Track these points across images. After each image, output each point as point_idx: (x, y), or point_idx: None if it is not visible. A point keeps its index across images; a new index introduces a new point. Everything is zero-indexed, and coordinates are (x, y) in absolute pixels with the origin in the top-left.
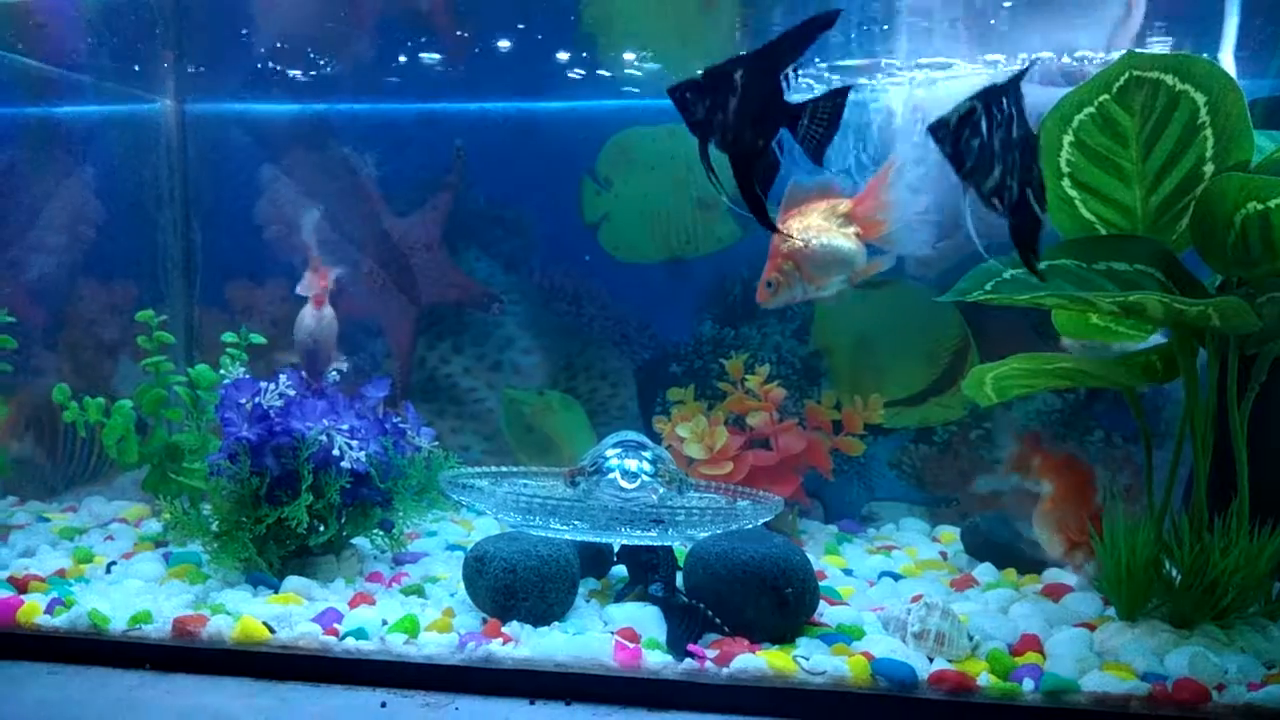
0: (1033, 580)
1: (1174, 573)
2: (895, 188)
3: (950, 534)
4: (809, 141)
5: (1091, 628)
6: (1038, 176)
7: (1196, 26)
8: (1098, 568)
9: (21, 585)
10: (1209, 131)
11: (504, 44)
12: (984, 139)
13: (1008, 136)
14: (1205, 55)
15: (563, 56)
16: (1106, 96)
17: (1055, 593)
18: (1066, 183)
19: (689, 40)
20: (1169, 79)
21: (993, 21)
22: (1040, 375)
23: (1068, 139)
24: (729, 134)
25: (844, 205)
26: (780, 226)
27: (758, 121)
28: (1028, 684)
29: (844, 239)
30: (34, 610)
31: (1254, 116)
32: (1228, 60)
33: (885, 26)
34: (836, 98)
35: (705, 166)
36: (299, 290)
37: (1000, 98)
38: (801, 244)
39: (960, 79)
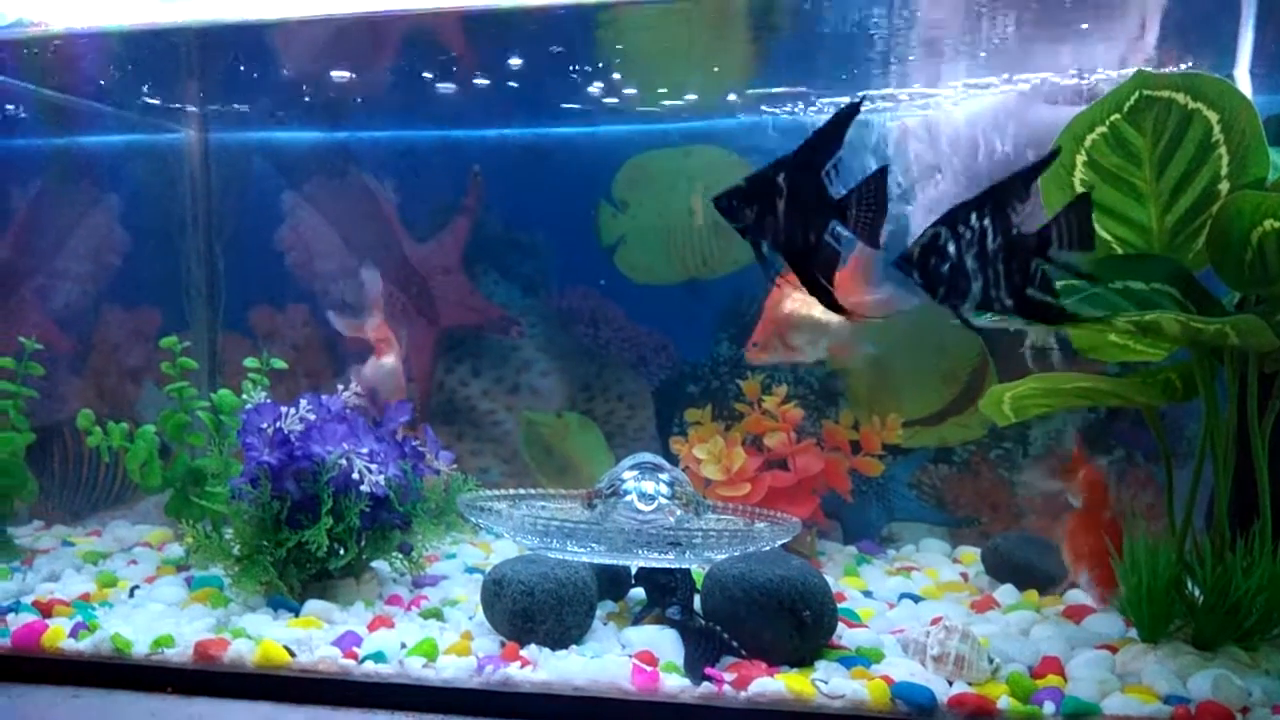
0: (1054, 602)
1: (1196, 593)
2: (874, 274)
3: (971, 555)
4: (862, 228)
5: (1113, 650)
6: (1038, 272)
7: (1211, 44)
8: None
9: (46, 609)
10: (1223, 149)
11: (521, 69)
12: (954, 261)
13: (983, 251)
14: (1220, 73)
15: (579, 81)
16: (1118, 116)
17: (1077, 614)
18: None
19: (704, 64)
20: (1180, 97)
21: (1005, 41)
22: (1058, 395)
23: (1080, 158)
24: (779, 235)
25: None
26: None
27: (805, 219)
28: (1048, 707)
29: (821, 312)
30: (59, 634)
31: (1271, 133)
32: (1243, 77)
33: (899, 50)
34: (878, 180)
35: (760, 261)
36: (342, 329)
37: (969, 215)
38: (788, 311)
39: (973, 99)
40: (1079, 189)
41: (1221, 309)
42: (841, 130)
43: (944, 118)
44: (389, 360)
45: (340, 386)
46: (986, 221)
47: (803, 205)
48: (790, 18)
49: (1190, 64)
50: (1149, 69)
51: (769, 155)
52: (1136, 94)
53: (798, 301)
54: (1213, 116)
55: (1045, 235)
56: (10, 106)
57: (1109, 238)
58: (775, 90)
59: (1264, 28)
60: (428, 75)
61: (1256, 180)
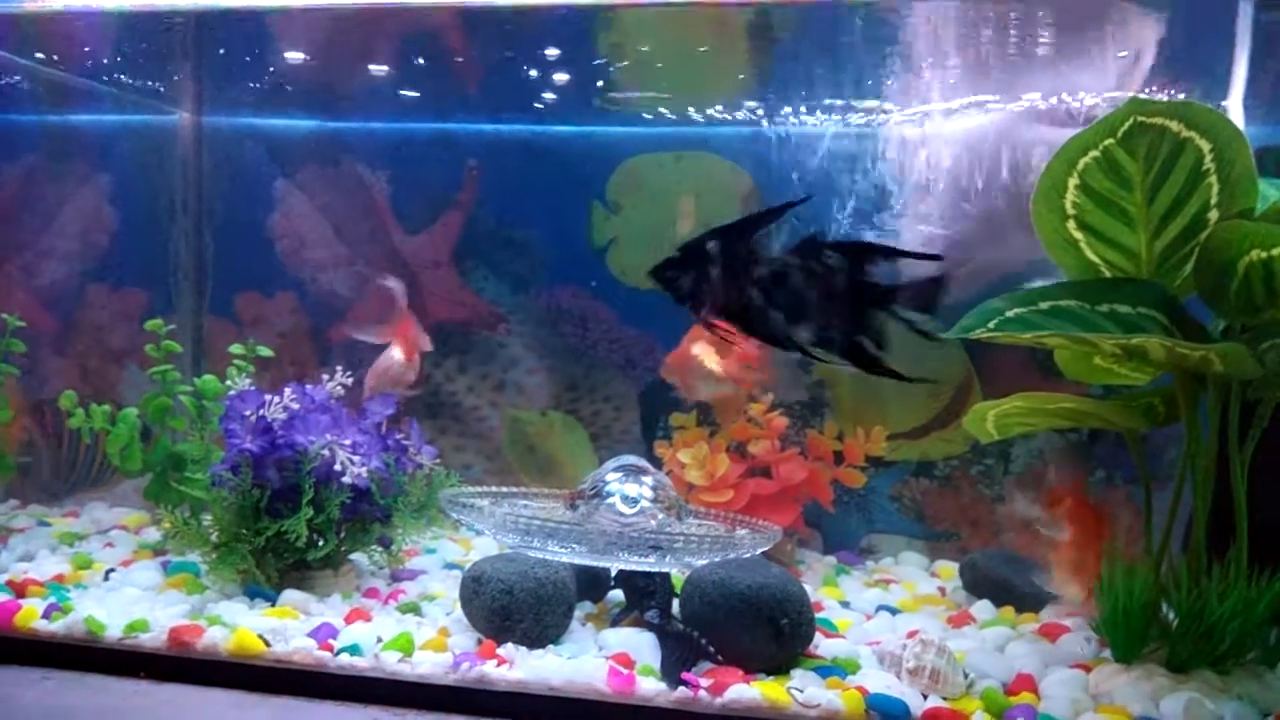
0: (1030, 619)
1: (1171, 616)
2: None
3: (949, 569)
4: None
5: (1087, 669)
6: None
7: (1205, 74)
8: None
9: (20, 589)
10: (1214, 178)
11: (519, 66)
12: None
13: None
14: (1213, 103)
15: (577, 80)
16: (1111, 141)
17: (1052, 633)
18: (1071, 224)
19: (701, 67)
20: (1174, 125)
21: (1002, 61)
22: (1042, 414)
23: (1073, 181)
24: (715, 301)
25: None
26: (687, 341)
27: (739, 286)
28: None
29: (714, 363)
30: (31, 615)
31: (1265, 166)
32: (1235, 108)
33: (893, 65)
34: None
35: (708, 327)
36: (362, 337)
37: (823, 251)
38: (693, 354)
39: (968, 117)
40: (1070, 211)
41: (1207, 336)
42: (781, 214)
43: (938, 133)
44: (399, 357)
45: (325, 376)
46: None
47: (736, 273)
48: (787, 28)
49: (1183, 93)
50: (1143, 96)
51: (762, 163)
52: (1131, 120)
53: (701, 350)
54: (1205, 146)
55: (894, 290)
56: (3, 81)
57: (1098, 261)
58: (771, 98)
59: (1258, 60)
60: (425, 68)
61: (1245, 210)
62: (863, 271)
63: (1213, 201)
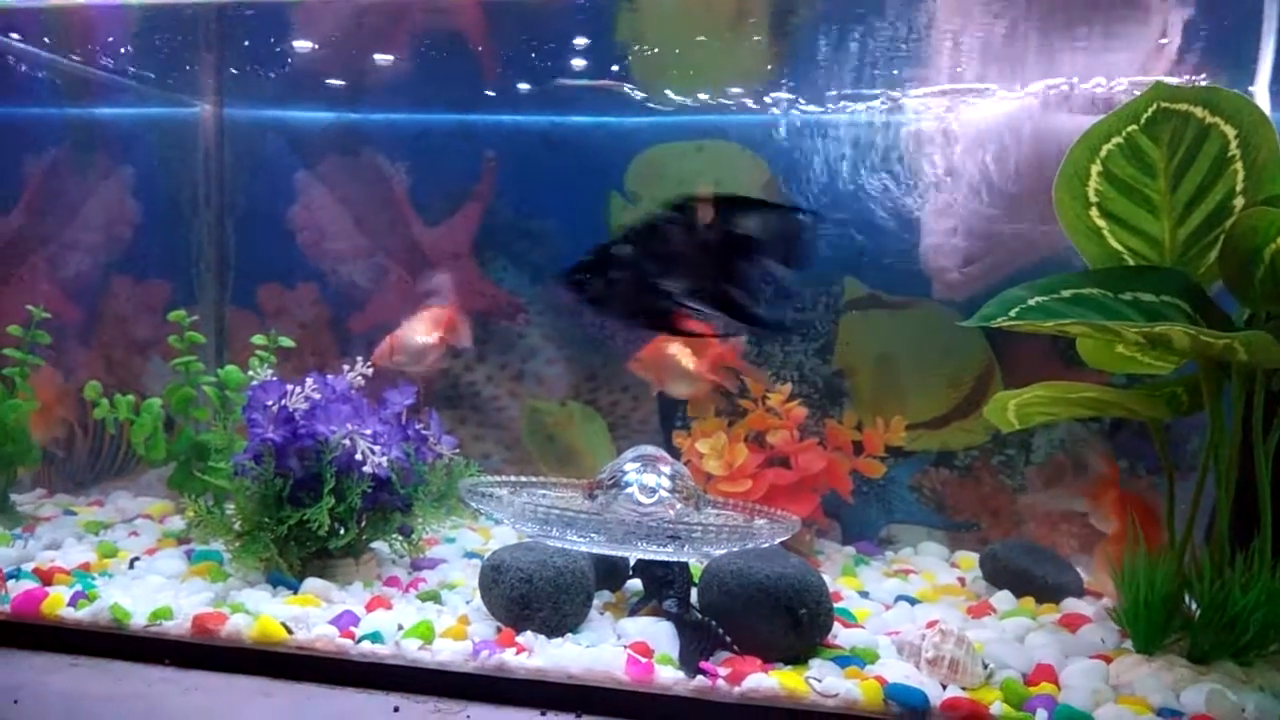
0: (1050, 610)
1: (1194, 607)
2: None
3: (969, 560)
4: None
5: (1108, 660)
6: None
7: (1231, 59)
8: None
9: (46, 577)
10: (1239, 165)
11: (538, 56)
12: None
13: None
14: (1239, 89)
15: (595, 71)
16: (1135, 127)
17: (1073, 623)
18: (1095, 212)
19: (721, 57)
20: (1198, 111)
21: (1025, 46)
22: (1064, 404)
23: (1096, 168)
24: (626, 304)
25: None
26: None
27: (652, 290)
28: (1041, 715)
29: (691, 363)
30: (58, 602)
31: None
32: (1262, 93)
33: (916, 50)
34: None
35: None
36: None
37: (687, 207)
38: (668, 353)
39: (991, 102)
40: (1093, 199)
41: (1231, 324)
42: (682, 210)
43: (959, 122)
44: (422, 334)
45: (346, 366)
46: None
47: (648, 277)
48: (807, 15)
49: (1209, 78)
50: (1167, 81)
51: (782, 152)
52: (1154, 106)
53: (677, 349)
54: (1230, 131)
55: (763, 243)
56: (28, 74)
57: (1121, 248)
58: (792, 87)
59: None
60: (444, 59)
61: (1272, 197)
62: (733, 224)
63: (1238, 188)
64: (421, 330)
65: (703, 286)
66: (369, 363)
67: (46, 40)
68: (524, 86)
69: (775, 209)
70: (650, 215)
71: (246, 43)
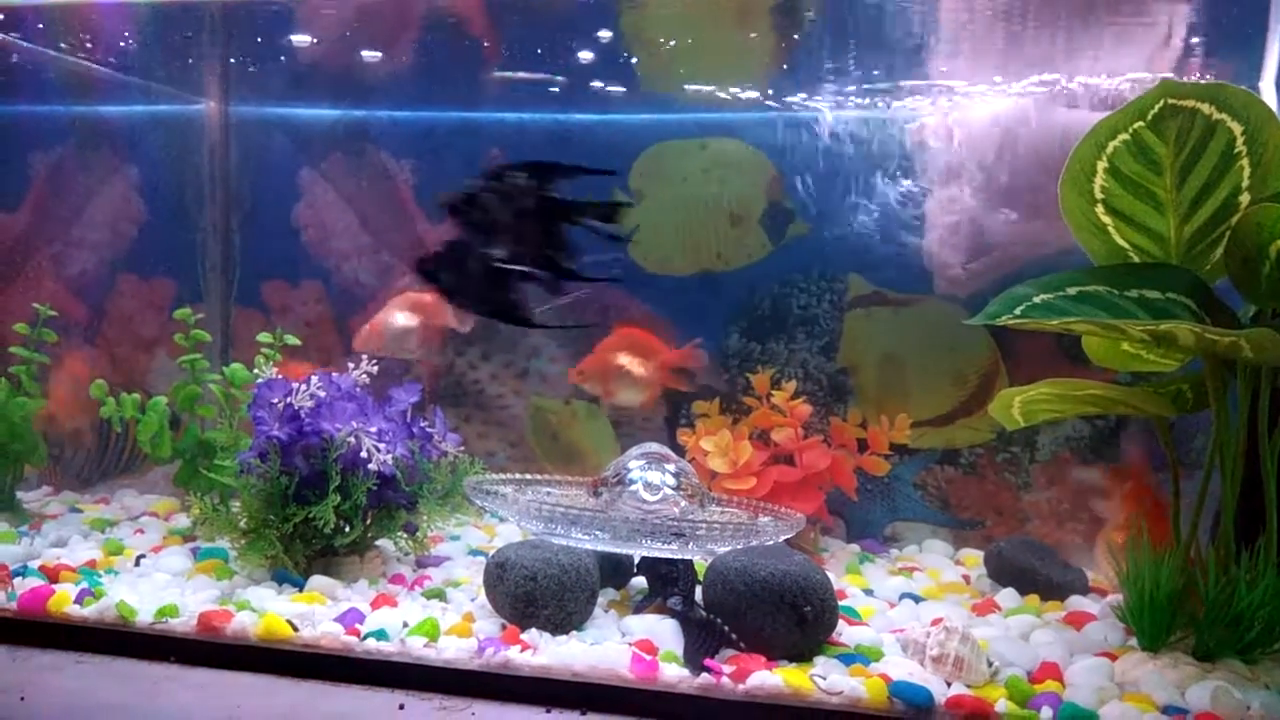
0: (1055, 607)
1: (1199, 605)
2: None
3: (974, 557)
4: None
5: (1113, 658)
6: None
7: (1237, 54)
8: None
9: (53, 575)
10: (1245, 161)
11: (542, 54)
12: (488, 214)
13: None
14: (1245, 85)
15: (599, 69)
16: (1141, 124)
17: (1077, 621)
18: (1100, 209)
19: (725, 54)
20: (1205, 108)
21: (1031, 44)
22: (1069, 401)
23: (1102, 165)
24: (477, 293)
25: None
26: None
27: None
28: (1046, 712)
29: (640, 369)
30: (64, 600)
31: None
32: (1269, 90)
33: (922, 48)
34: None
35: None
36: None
37: (507, 174)
38: (620, 364)
39: (995, 99)
40: (1099, 195)
41: (1236, 321)
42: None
43: (964, 117)
44: (399, 318)
45: (350, 364)
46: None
47: (495, 268)
48: (812, 12)
49: (1216, 75)
50: (1174, 78)
51: (784, 150)
52: (1161, 102)
53: (632, 357)
54: (1236, 128)
55: (581, 206)
56: (33, 72)
57: (1126, 245)
58: (795, 84)
59: None
60: (448, 56)
61: (1277, 193)
62: (550, 189)
63: (1244, 185)
64: (401, 314)
65: (528, 252)
66: (351, 350)
67: (51, 38)
68: (529, 84)
69: (589, 173)
70: (469, 186)
71: (251, 40)
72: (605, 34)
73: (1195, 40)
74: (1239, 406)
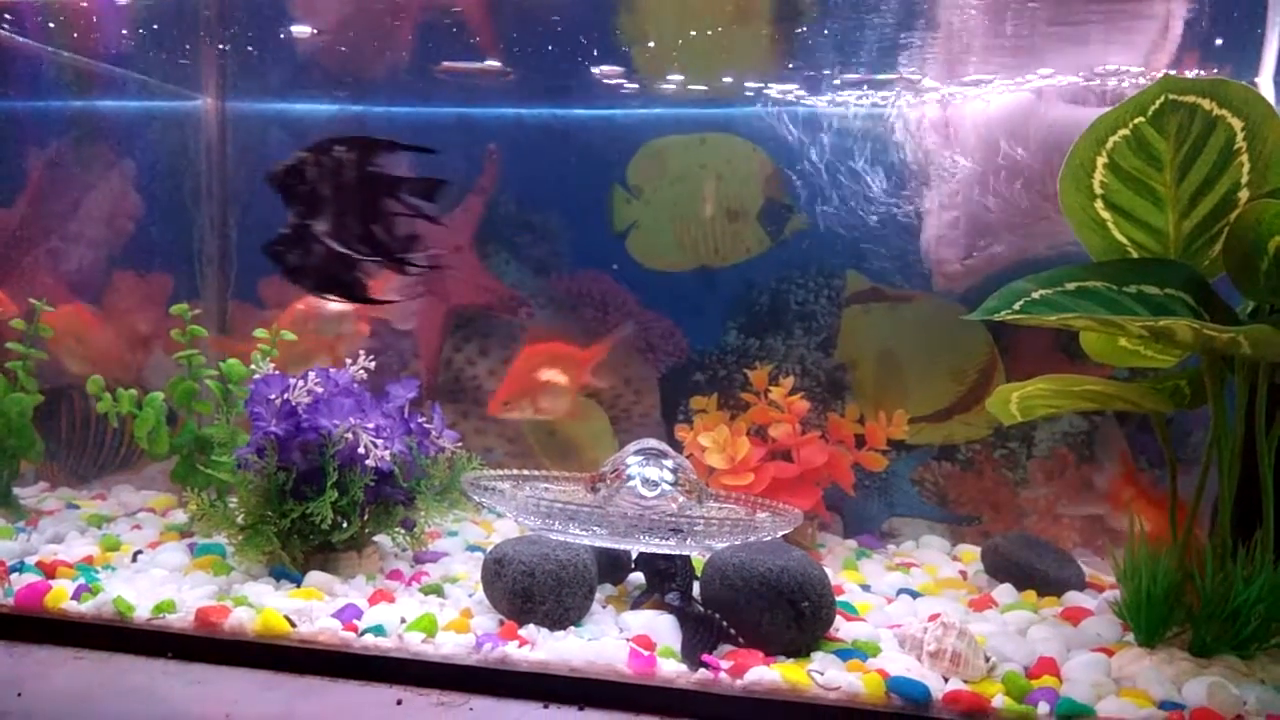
0: (1052, 603)
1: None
2: (616, 353)
3: (971, 553)
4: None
5: (1110, 653)
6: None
7: (1235, 50)
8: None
9: (50, 571)
10: (1245, 157)
11: (539, 49)
12: (314, 186)
13: (339, 188)
14: (1243, 80)
15: (597, 64)
16: (1141, 119)
17: (1074, 616)
18: (1099, 204)
19: (723, 50)
20: (1206, 103)
21: (1025, 39)
22: (1066, 396)
23: (1101, 160)
24: (320, 274)
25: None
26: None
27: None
28: (1043, 707)
29: (564, 378)
30: (61, 596)
31: None
32: (1267, 85)
33: (914, 43)
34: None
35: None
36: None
37: (332, 148)
38: (542, 379)
39: (994, 94)
40: (1098, 190)
41: (1235, 317)
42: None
43: (962, 112)
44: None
45: (348, 360)
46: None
47: (339, 251)
48: (811, 6)
49: (1214, 71)
50: (1173, 73)
51: (784, 145)
52: (1162, 98)
53: (551, 370)
54: (1236, 124)
55: (400, 181)
56: (28, 68)
57: (1125, 241)
58: (792, 79)
59: None
60: (446, 51)
61: (1277, 189)
62: (371, 164)
63: (1243, 180)
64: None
65: (350, 227)
66: (277, 329)
67: (47, 33)
68: (526, 79)
69: (409, 149)
70: (293, 159)
71: (247, 33)
72: (604, 27)
73: (1193, 35)
74: (1236, 402)
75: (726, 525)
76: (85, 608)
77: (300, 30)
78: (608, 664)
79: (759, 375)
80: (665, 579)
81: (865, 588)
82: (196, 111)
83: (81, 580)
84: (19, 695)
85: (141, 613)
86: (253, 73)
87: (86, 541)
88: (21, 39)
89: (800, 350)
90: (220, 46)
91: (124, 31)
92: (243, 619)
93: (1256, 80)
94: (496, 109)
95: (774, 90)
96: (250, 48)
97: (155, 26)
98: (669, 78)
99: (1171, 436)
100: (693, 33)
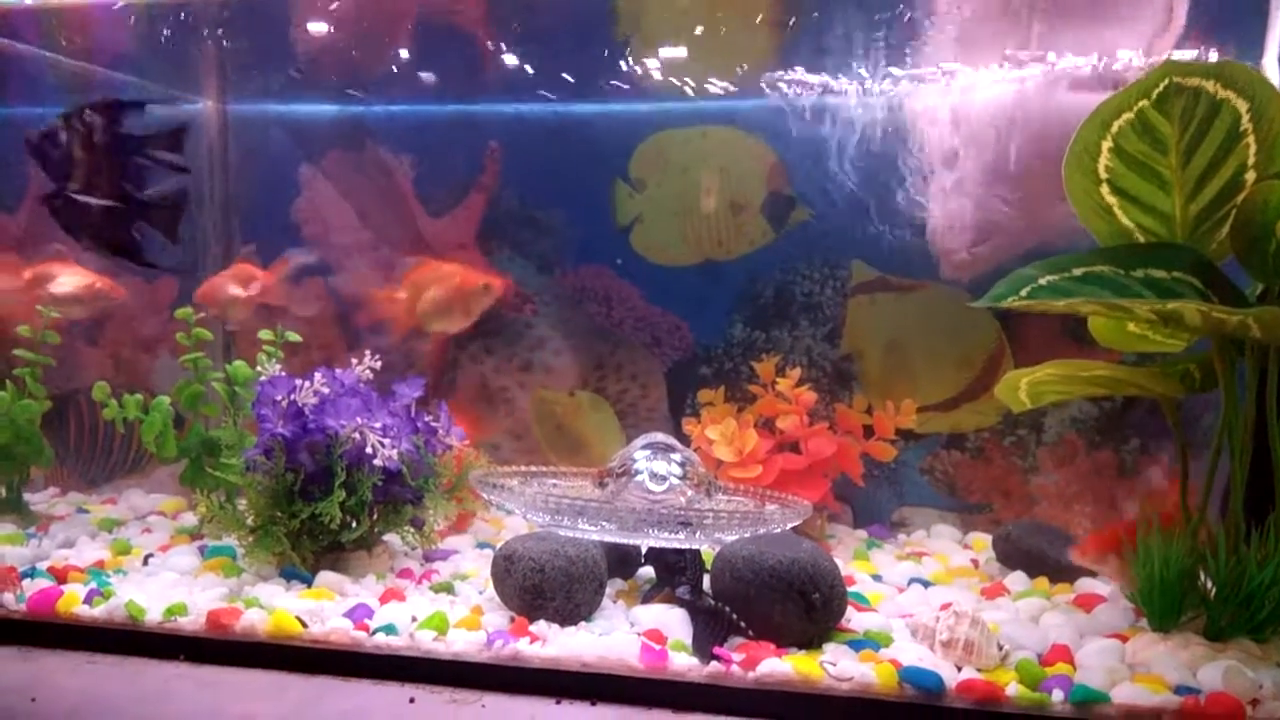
0: (1064, 590)
1: (1209, 584)
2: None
3: (982, 541)
4: (161, 226)
5: (1123, 639)
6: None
7: (1238, 33)
8: None
9: (61, 576)
10: (1251, 139)
11: (539, 44)
12: (65, 151)
13: (91, 150)
14: (1246, 62)
15: (598, 58)
16: (1146, 103)
17: (1087, 603)
18: (1105, 189)
19: (724, 42)
20: (1210, 86)
21: (1031, 25)
22: (1076, 382)
23: (1106, 145)
24: (90, 228)
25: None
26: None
27: (106, 216)
28: (1057, 695)
29: (236, 285)
30: (73, 600)
31: None
32: (1271, 67)
33: (920, 30)
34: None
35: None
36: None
37: (83, 113)
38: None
39: (997, 81)
40: (1104, 175)
41: (1244, 300)
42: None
43: (965, 101)
44: (231, 286)
45: (354, 360)
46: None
47: (105, 208)
48: None
49: (1216, 53)
50: (1177, 57)
51: (786, 138)
52: (1166, 81)
53: (233, 285)
54: (1242, 106)
55: (146, 138)
56: (29, 74)
57: (1131, 226)
58: (794, 70)
59: None
60: (445, 49)
61: None
62: (120, 125)
63: (1250, 162)
64: (232, 283)
65: (103, 185)
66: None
67: (45, 38)
68: (526, 75)
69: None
70: (47, 124)
71: (248, 36)
72: (603, 22)
73: (1195, 19)
74: (1246, 385)
75: (736, 518)
76: (97, 612)
77: (300, 32)
78: (619, 659)
79: (765, 367)
80: (675, 573)
81: (876, 578)
82: (198, 114)
83: (93, 585)
84: (33, 700)
85: (153, 616)
86: (253, 75)
87: (97, 546)
88: (20, 44)
89: (806, 341)
90: (221, 48)
91: (124, 34)
92: (254, 620)
93: (1260, 63)
94: (497, 105)
95: (775, 81)
96: (251, 49)
97: (156, 28)
98: (671, 71)
99: (1181, 421)
100: (691, 26)
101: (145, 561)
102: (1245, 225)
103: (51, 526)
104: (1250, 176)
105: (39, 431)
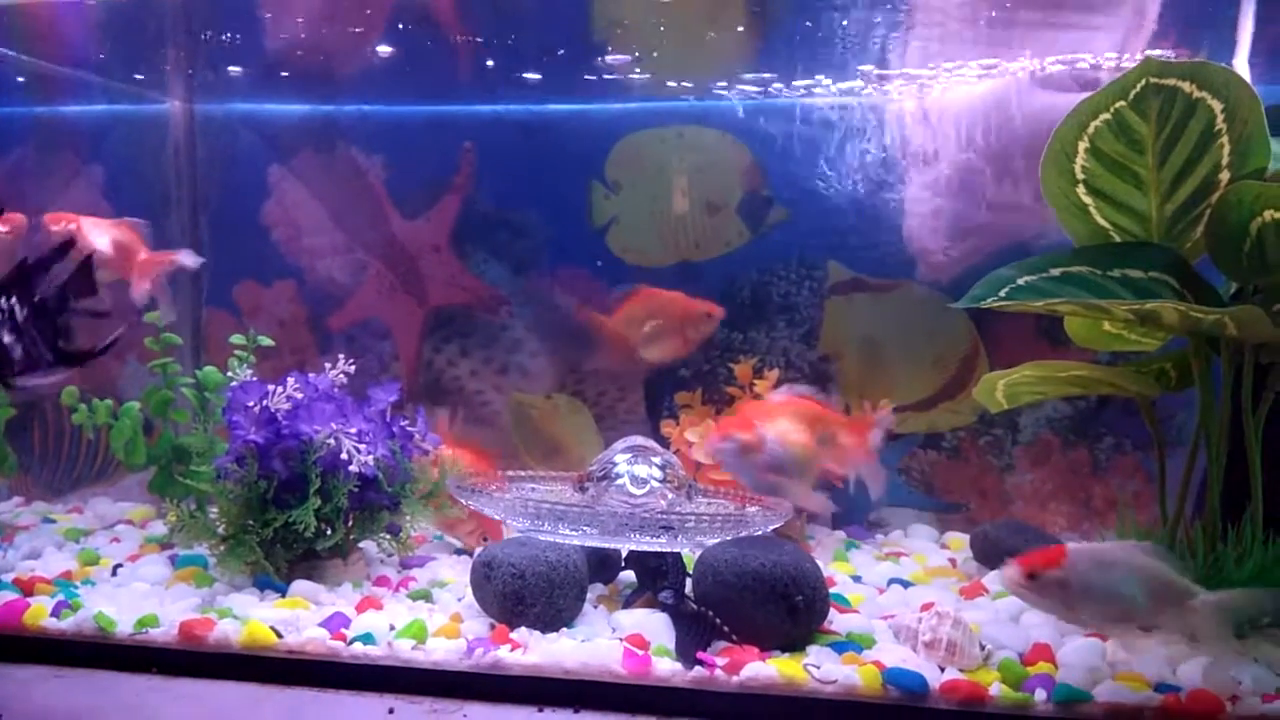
0: None
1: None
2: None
3: (959, 541)
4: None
5: (1104, 638)
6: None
7: (1210, 32)
8: None
9: (27, 587)
10: (1225, 139)
11: (514, 44)
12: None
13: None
14: (1219, 62)
15: (572, 59)
16: (1123, 103)
17: None
18: (1081, 189)
19: (699, 44)
20: (1186, 86)
21: (1006, 25)
22: (1052, 383)
23: (1083, 145)
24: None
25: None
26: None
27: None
28: (1040, 694)
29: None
30: (40, 613)
31: (1271, 124)
32: (1242, 66)
33: (892, 32)
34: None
35: None
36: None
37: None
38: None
39: (972, 82)
40: (1080, 176)
41: (1219, 299)
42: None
43: (940, 101)
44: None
45: (327, 364)
46: (13, 300)
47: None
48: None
49: (1189, 53)
50: (1152, 57)
51: (762, 138)
52: (1143, 81)
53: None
54: (1216, 106)
55: (62, 295)
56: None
57: (1108, 225)
58: (770, 70)
59: (1264, 18)
60: (418, 48)
61: (1257, 170)
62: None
63: (1224, 162)
64: (98, 237)
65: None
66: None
67: (7, 37)
68: (501, 75)
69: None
70: None
71: (216, 35)
72: (579, 21)
73: (1168, 19)
74: (1223, 383)
75: (717, 521)
76: (65, 624)
77: (268, 30)
78: (602, 665)
79: (743, 369)
80: (657, 577)
81: (856, 579)
82: (164, 115)
83: (60, 596)
84: (1, 716)
85: (123, 628)
86: (220, 74)
87: (64, 556)
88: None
89: (784, 342)
90: (187, 48)
91: (90, 34)
92: (228, 631)
93: (1232, 63)
94: (471, 106)
95: (750, 83)
96: (218, 49)
97: (120, 29)
98: (645, 72)
99: (1158, 417)
100: (667, 26)
101: (114, 572)
102: (1219, 224)
103: (16, 537)
104: (1224, 176)
105: (2, 438)
